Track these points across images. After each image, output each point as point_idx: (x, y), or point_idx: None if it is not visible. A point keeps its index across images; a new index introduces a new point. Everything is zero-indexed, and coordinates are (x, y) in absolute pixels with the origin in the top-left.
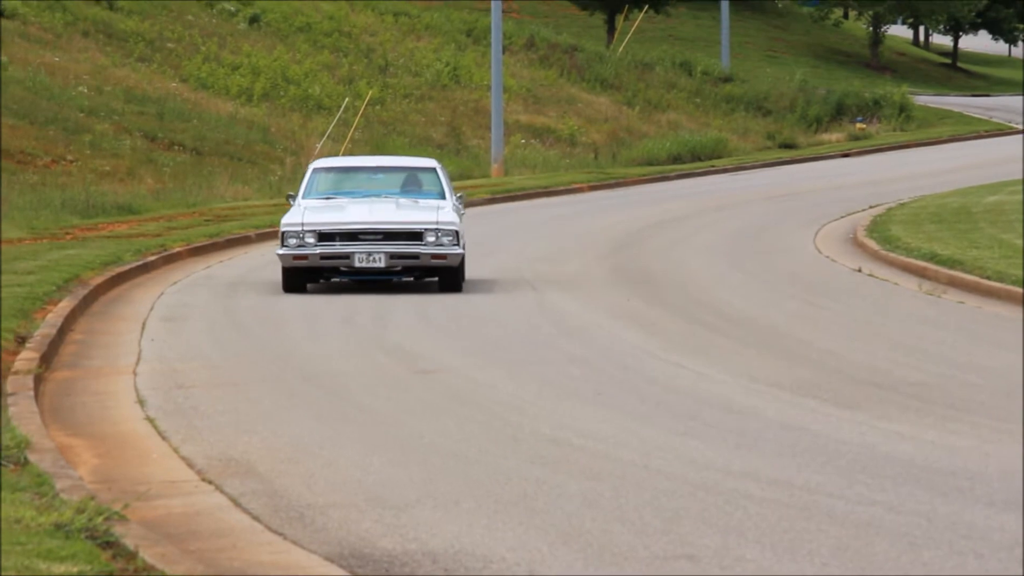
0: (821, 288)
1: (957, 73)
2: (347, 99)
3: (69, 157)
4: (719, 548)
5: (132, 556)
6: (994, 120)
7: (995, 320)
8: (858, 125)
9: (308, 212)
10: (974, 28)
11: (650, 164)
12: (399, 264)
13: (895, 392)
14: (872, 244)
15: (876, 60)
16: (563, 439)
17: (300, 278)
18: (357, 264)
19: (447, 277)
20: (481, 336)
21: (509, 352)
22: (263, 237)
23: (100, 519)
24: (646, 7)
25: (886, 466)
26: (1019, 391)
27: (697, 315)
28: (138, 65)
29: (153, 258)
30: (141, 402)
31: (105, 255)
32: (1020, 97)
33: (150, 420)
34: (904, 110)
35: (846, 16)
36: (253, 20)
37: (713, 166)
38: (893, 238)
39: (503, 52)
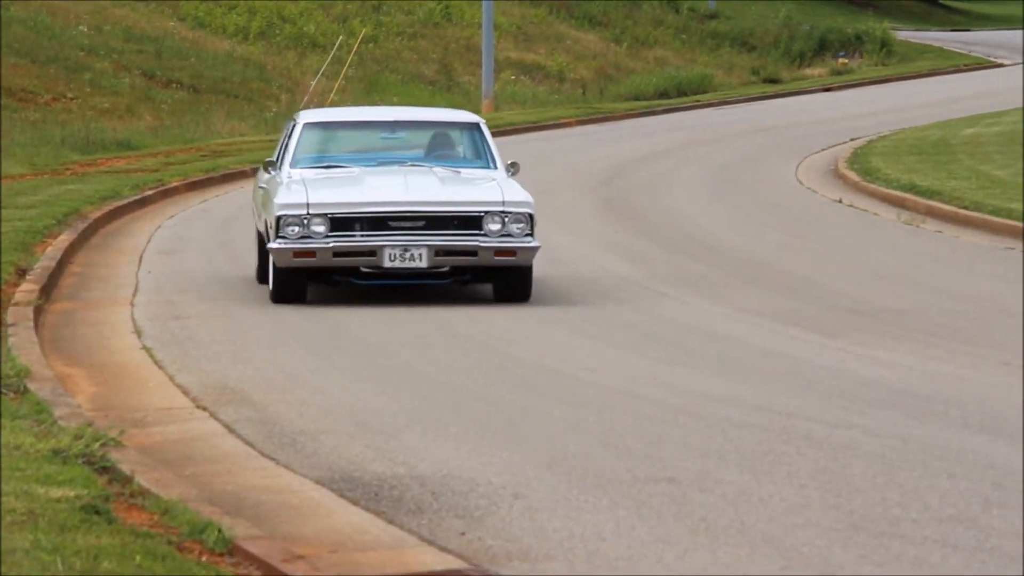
0: (803, 219)
1: (938, 9)
2: (341, 37)
3: (69, 95)
4: (700, 471)
5: (128, 480)
6: (974, 55)
7: (972, 249)
8: (840, 60)
9: (312, 188)
10: None
11: (637, 99)
12: (447, 263)
13: (874, 319)
14: (853, 176)
15: None
16: (549, 367)
17: (299, 282)
18: (387, 263)
19: (514, 282)
20: None
21: None
22: (259, 170)
23: (97, 445)
24: None
25: (864, 391)
26: (996, 318)
27: (682, 246)
28: (137, 5)
29: (151, 192)
30: (138, 332)
31: (104, 190)
32: (1000, 32)
33: (147, 350)
34: (885, 45)
35: None
36: None
37: (699, 101)
38: (873, 170)
39: None
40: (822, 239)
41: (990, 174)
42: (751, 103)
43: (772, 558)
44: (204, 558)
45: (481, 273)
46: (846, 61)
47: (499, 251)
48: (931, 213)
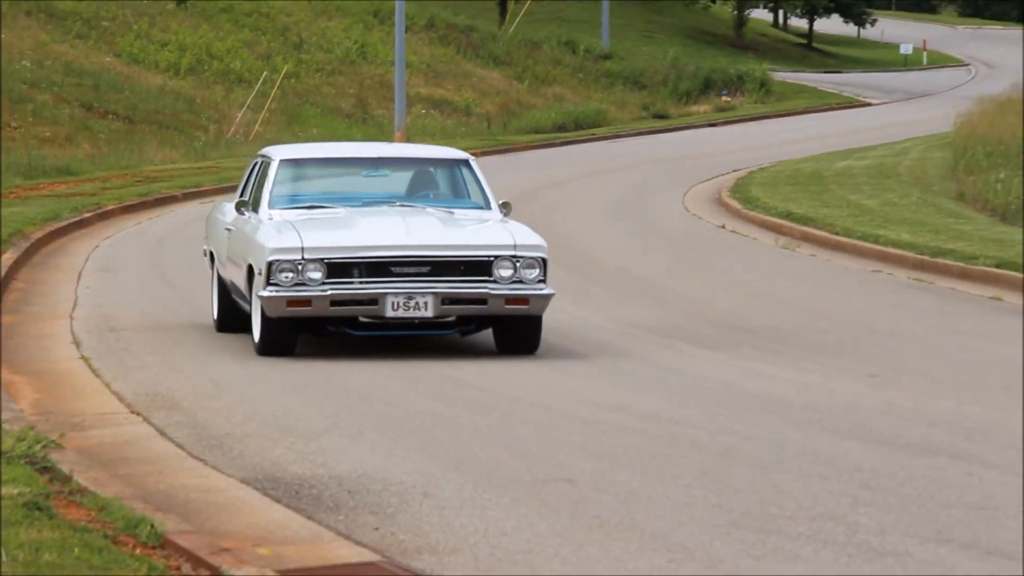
0: (689, 243)
1: (812, 52)
2: (265, 73)
3: (13, 124)
4: (594, 472)
5: (67, 479)
6: (845, 94)
7: (843, 272)
8: (723, 98)
9: (304, 230)
10: (827, 12)
11: (537, 132)
12: (454, 312)
13: (754, 335)
14: (735, 204)
15: (740, 40)
16: (456, 378)
17: (290, 333)
18: (389, 312)
19: (522, 331)
20: None
21: None
22: (188, 196)
23: (39, 447)
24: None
25: (744, 400)
26: (863, 335)
27: (578, 267)
28: (76, 42)
29: (89, 215)
30: (77, 343)
31: (45, 212)
32: (869, 74)
33: (85, 359)
34: (764, 85)
35: (714, 1)
36: (180, 1)
37: (594, 134)
38: (753, 198)
39: (406, 31)
40: (706, 261)
41: (860, 203)
42: (642, 137)
43: (660, 552)
44: (138, 551)
45: (488, 322)
46: (729, 99)
47: (510, 299)
48: (805, 238)
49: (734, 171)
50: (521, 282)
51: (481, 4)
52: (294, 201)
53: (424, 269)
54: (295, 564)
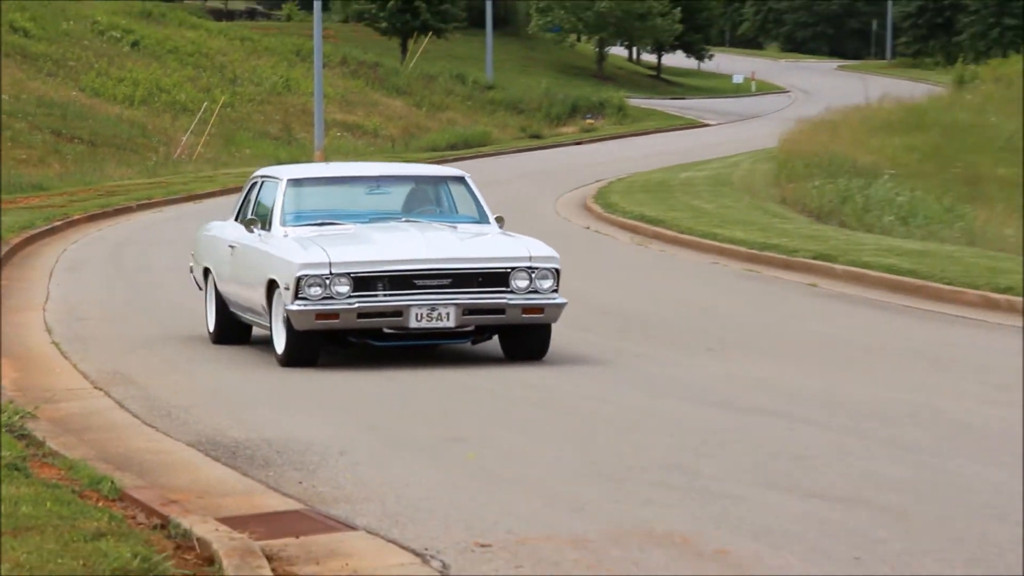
0: (560, 241)
1: (660, 82)
2: (205, 103)
3: None
4: (482, 433)
5: (41, 444)
6: (687, 117)
7: (687, 264)
8: (587, 121)
9: (328, 246)
10: (673, 48)
11: (433, 150)
12: (473, 322)
13: (616, 317)
14: (597, 208)
15: (601, 72)
16: (371, 356)
17: (316, 344)
18: (413, 323)
19: (533, 339)
20: None
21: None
22: (142, 207)
23: (17, 417)
24: (430, 33)
25: (605, 371)
26: (703, 316)
27: None
28: (47, 79)
29: (58, 223)
30: (49, 331)
31: (22, 221)
32: (707, 99)
33: (55, 344)
34: (621, 109)
35: (579, 39)
36: (134, 44)
37: (480, 151)
38: (613, 204)
39: (323, 68)
40: (575, 257)
41: (700, 207)
42: (520, 153)
43: (536, 497)
44: (100, 503)
45: (504, 331)
46: (592, 121)
47: (527, 309)
48: (656, 237)
49: (597, 181)
50: (536, 292)
51: (385, 43)
52: (305, 218)
53: (446, 281)
54: (232, 513)
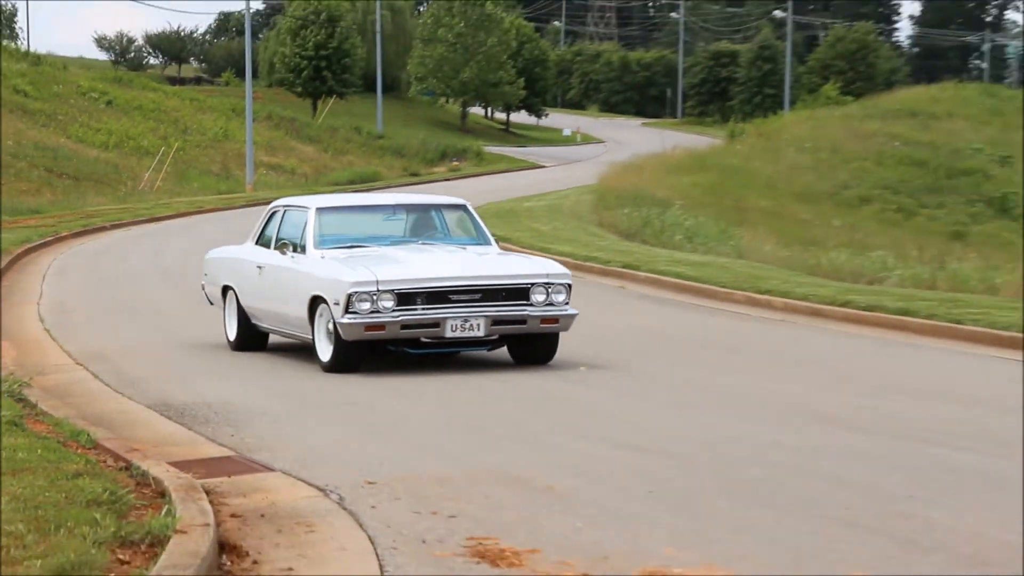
0: None
1: (509, 134)
2: (163, 148)
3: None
4: (371, 398)
5: (34, 406)
6: (529, 160)
7: None
8: (454, 163)
9: (373, 266)
10: (518, 108)
11: (336, 185)
12: (499, 331)
13: None
14: None
15: (464, 127)
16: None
17: (361, 352)
18: (449, 333)
19: (544, 346)
20: None
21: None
22: (114, 227)
23: (16, 386)
24: (334, 96)
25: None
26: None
27: None
28: (42, 129)
29: (50, 239)
30: (41, 320)
31: (21, 237)
32: (544, 148)
33: (47, 330)
34: (479, 154)
35: (447, 101)
36: (109, 103)
37: (372, 186)
38: None
39: (253, 121)
40: None
41: (538, 228)
42: (402, 188)
43: (412, 447)
44: (79, 451)
45: (521, 339)
46: (457, 163)
47: (545, 319)
48: (505, 250)
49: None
50: (552, 304)
51: (300, 103)
52: (335, 242)
53: (476, 296)
54: (179, 458)
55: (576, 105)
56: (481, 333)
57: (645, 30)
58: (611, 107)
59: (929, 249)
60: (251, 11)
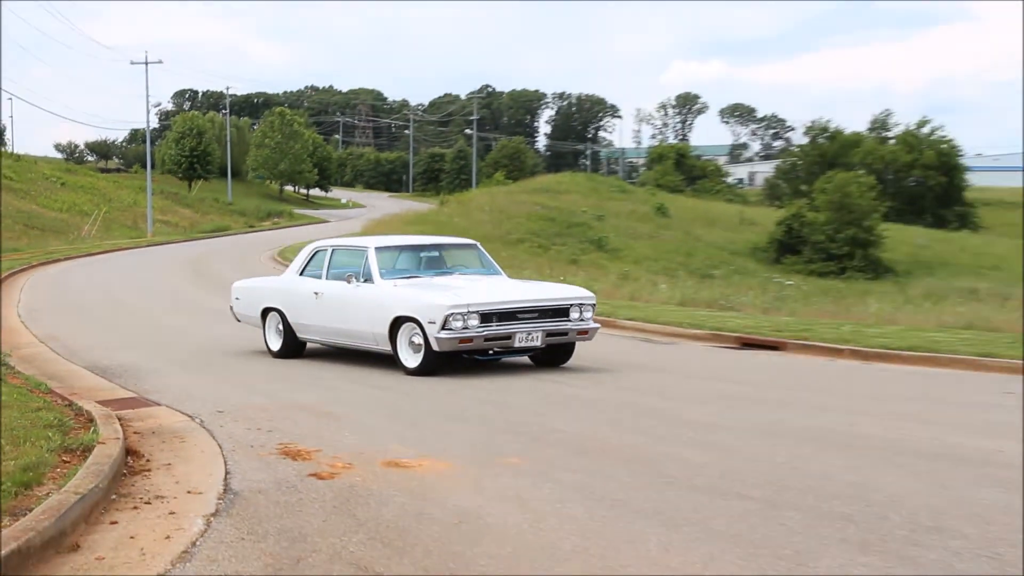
0: (267, 269)
1: (309, 202)
2: (96, 211)
3: None
4: (226, 362)
5: (12, 368)
6: (321, 217)
7: None
8: (275, 220)
9: (458, 292)
10: (313, 185)
11: (202, 232)
12: (549, 342)
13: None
14: (279, 258)
15: (281, 197)
16: (182, 329)
17: (442, 360)
18: (517, 344)
19: (564, 352)
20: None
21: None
22: (67, 259)
23: (3, 357)
24: (201, 179)
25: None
26: None
27: (230, 283)
28: (21, 200)
29: (26, 267)
30: (19, 315)
31: (8, 266)
32: (330, 210)
33: (22, 321)
34: (291, 215)
35: (271, 182)
36: (62, 184)
37: (225, 233)
38: (285, 256)
39: (153, 194)
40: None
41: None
42: (244, 235)
43: (247, 390)
44: (40, 395)
45: (559, 347)
46: (277, 220)
47: (580, 331)
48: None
49: (280, 246)
50: (583, 320)
51: (181, 183)
52: (395, 274)
53: (535, 315)
54: (103, 399)
55: (349, 184)
56: (539, 343)
57: (389, 139)
58: (370, 186)
59: (556, 269)
60: (150, 127)
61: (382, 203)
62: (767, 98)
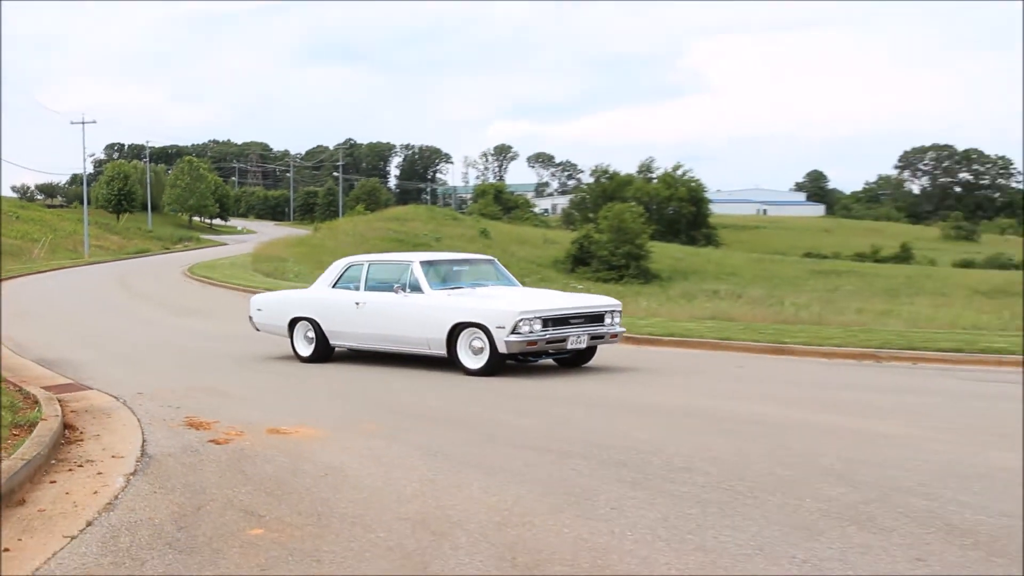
0: (181, 287)
1: (212, 229)
2: (43, 238)
3: None
4: (151, 357)
5: None
6: (221, 241)
7: (217, 290)
8: (186, 243)
9: (520, 300)
10: (216, 217)
11: (128, 253)
12: (591, 344)
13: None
14: (189, 274)
15: (190, 225)
16: (107, 331)
17: (504, 362)
18: (570, 346)
19: (588, 354)
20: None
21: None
22: (21, 276)
23: None
24: (127, 212)
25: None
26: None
27: (160, 299)
28: None
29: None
30: None
31: None
32: (228, 235)
33: None
34: (198, 239)
35: (183, 214)
36: (17, 217)
37: (144, 255)
38: (195, 272)
39: (89, 224)
40: (192, 296)
41: (227, 272)
42: (160, 256)
43: (165, 378)
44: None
45: (589, 349)
46: (187, 243)
47: (611, 335)
48: (208, 283)
49: (189, 264)
50: (613, 325)
51: (112, 216)
52: (440, 285)
53: (581, 320)
54: (46, 384)
55: (244, 215)
56: (584, 346)
57: (275, 180)
58: (260, 216)
59: None
60: (87, 172)
61: (270, 230)
62: (562, 148)
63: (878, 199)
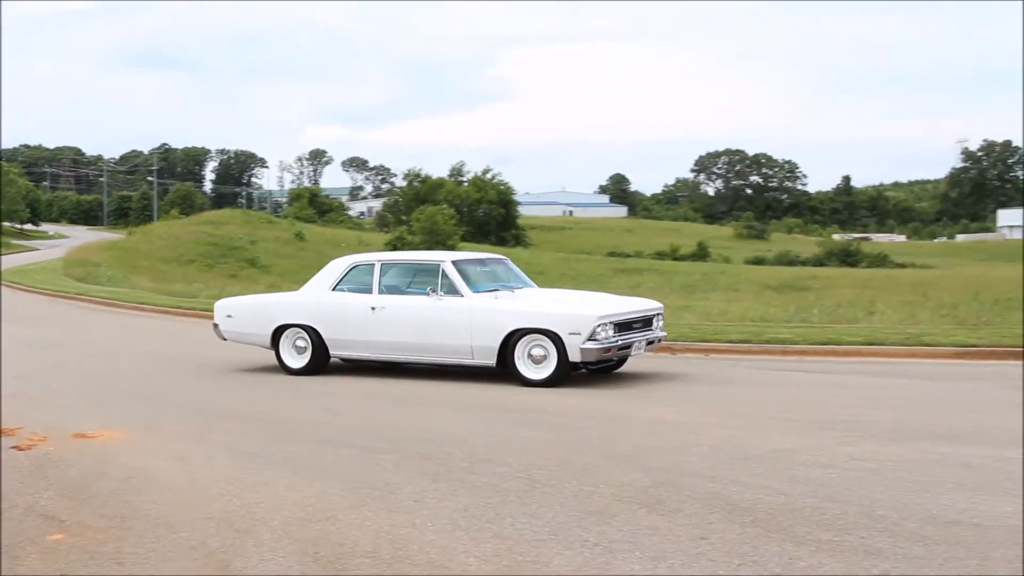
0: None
1: (23, 235)
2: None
3: None
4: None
5: None
6: (32, 247)
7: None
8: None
9: (593, 305)
10: (27, 222)
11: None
12: (647, 348)
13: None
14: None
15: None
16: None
17: (572, 369)
18: (634, 352)
19: (626, 358)
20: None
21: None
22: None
23: None
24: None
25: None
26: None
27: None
28: None
29: None
30: None
31: None
32: (41, 241)
33: None
34: (10, 245)
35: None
36: None
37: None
38: (4, 279)
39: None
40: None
41: (40, 279)
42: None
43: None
44: None
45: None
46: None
47: (659, 338)
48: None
49: None
50: (659, 328)
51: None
52: (478, 288)
53: (640, 324)
54: None
55: (56, 220)
56: (643, 350)
57: (88, 185)
58: (73, 221)
59: (220, 282)
60: None
61: (83, 234)
62: (375, 153)
63: (676, 201)
